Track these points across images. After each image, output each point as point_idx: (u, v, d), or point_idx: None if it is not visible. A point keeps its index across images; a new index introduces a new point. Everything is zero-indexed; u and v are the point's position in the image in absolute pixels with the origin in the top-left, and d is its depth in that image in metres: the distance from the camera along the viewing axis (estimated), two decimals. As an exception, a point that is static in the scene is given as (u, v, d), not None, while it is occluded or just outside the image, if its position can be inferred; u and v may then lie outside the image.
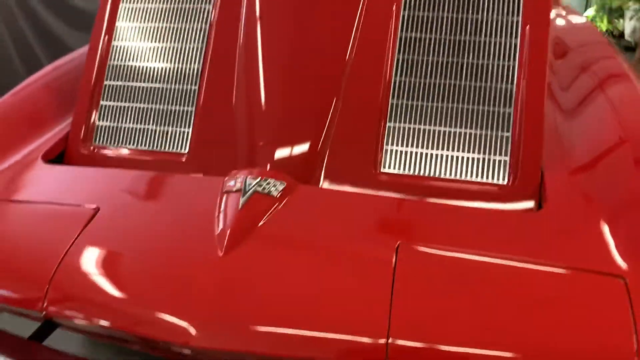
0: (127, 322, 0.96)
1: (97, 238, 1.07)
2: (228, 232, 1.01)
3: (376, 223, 1.07)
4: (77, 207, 1.13)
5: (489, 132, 1.22)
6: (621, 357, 0.83)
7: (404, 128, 1.26)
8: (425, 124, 1.25)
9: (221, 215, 1.06)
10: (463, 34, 1.28)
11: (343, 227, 1.05)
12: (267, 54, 1.31)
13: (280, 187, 1.11)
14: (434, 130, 1.24)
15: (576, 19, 1.94)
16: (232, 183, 1.12)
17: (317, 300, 0.93)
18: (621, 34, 5.06)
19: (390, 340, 0.87)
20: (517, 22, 1.27)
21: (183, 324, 0.92)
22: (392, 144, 1.25)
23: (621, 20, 5.03)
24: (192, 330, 0.91)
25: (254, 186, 1.10)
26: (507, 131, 1.21)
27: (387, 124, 1.26)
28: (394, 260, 0.97)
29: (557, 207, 1.07)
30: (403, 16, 1.32)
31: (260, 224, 1.05)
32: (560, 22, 1.88)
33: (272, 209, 1.07)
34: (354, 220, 1.07)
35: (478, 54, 1.27)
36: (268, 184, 1.12)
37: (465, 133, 1.23)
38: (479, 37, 1.27)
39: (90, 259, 1.03)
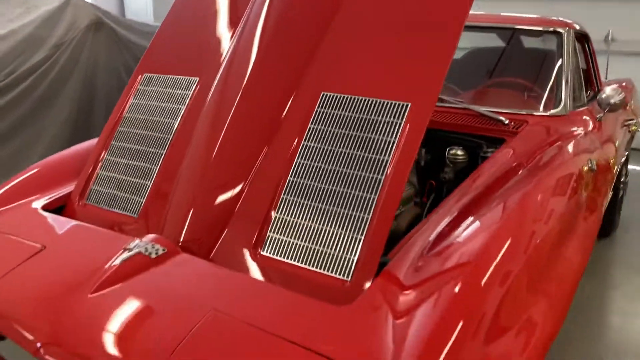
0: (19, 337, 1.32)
1: (27, 270, 1.46)
2: (101, 280, 1.34)
3: (210, 289, 1.31)
4: (30, 242, 1.55)
5: (348, 233, 1.41)
6: None
7: (287, 220, 1.49)
8: (305, 220, 1.48)
9: (108, 266, 1.39)
10: (352, 148, 1.51)
11: (181, 289, 1.32)
12: (198, 143, 1.66)
13: (161, 252, 1.42)
14: (308, 226, 1.46)
15: None
16: (131, 243, 1.45)
17: (130, 340, 1.20)
18: None
19: None
20: (394, 142, 1.46)
21: (41, 332, 1.25)
22: (275, 233, 1.49)
23: None
24: (47, 338, 1.24)
25: (140, 248, 1.42)
26: (361, 234, 1.39)
27: (276, 215, 1.51)
28: (200, 322, 1.20)
29: (360, 306, 1.22)
30: (309, 129, 1.58)
31: (130, 279, 1.35)
32: None
33: (145, 266, 1.38)
34: (196, 286, 1.33)
35: (360, 167, 1.48)
36: (152, 247, 1.43)
37: (331, 231, 1.43)
38: (363, 152, 1.49)
39: (13, 286, 1.43)
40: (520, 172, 1.82)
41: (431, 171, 2.32)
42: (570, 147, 2.15)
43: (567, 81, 2.54)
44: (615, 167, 2.68)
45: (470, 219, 1.47)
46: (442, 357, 1.06)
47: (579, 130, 2.41)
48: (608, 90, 2.65)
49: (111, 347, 1.20)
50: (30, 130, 3.21)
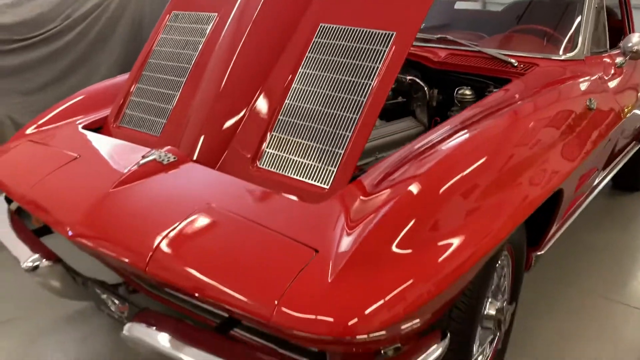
0: (55, 221, 1.60)
1: (65, 172, 1.74)
2: (121, 179, 1.59)
3: (208, 189, 1.54)
4: (68, 152, 1.83)
5: (330, 148, 1.59)
6: (262, 301, 1.18)
7: (281, 138, 1.69)
8: (296, 137, 1.67)
9: (129, 170, 1.64)
10: (342, 74, 1.67)
11: (185, 188, 1.55)
12: (210, 75, 1.86)
13: (172, 159, 1.65)
14: (299, 143, 1.65)
15: None
16: (149, 152, 1.70)
17: (138, 223, 1.46)
18: None
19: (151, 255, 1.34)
20: (378, 67, 1.62)
21: (71, 218, 1.52)
22: (271, 149, 1.69)
23: None
24: (75, 222, 1.50)
25: (155, 155, 1.66)
26: (342, 148, 1.57)
27: (272, 133, 1.71)
28: (194, 212, 1.43)
29: (329, 204, 1.42)
30: (307, 57, 1.76)
31: (145, 179, 1.60)
32: None
33: (157, 170, 1.62)
34: (196, 186, 1.56)
35: (347, 90, 1.64)
36: (165, 155, 1.67)
37: (317, 147, 1.62)
38: (351, 77, 1.65)
39: (53, 183, 1.70)
40: (516, 103, 1.92)
41: (442, 112, 2.44)
42: (573, 85, 2.22)
43: (586, 26, 2.56)
44: (629, 115, 2.69)
45: (454, 138, 1.61)
46: (392, 246, 1.25)
47: (594, 74, 2.45)
48: (633, 38, 2.65)
49: (121, 228, 1.46)
50: (84, 70, 3.53)
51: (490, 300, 1.72)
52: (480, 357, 1.80)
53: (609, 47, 2.85)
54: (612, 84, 2.59)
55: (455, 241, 1.31)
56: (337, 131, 1.61)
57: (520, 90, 2.07)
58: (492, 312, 1.70)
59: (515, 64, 2.31)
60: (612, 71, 2.69)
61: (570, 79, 2.28)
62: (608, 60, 2.72)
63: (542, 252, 2.08)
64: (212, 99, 1.83)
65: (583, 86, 2.27)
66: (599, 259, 2.93)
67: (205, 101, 1.84)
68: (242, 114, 1.79)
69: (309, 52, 1.77)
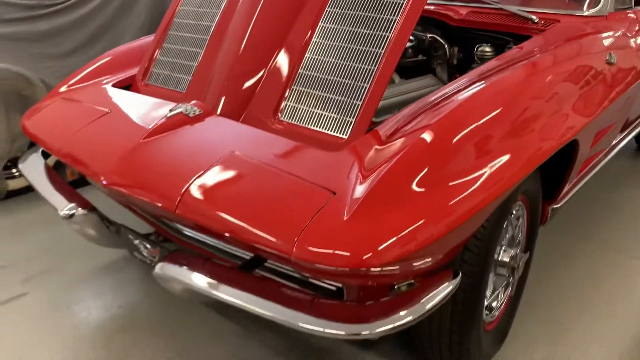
0: (89, 171, 1.70)
1: (97, 126, 1.83)
2: (149, 130, 1.67)
3: (232, 139, 1.62)
4: (100, 107, 1.92)
5: (349, 100, 1.65)
6: (284, 237, 1.26)
7: (301, 91, 1.75)
8: (316, 90, 1.73)
9: (157, 122, 1.72)
10: (360, 27, 1.72)
11: (210, 138, 1.63)
12: (231, 35, 1.93)
13: (197, 112, 1.73)
14: (319, 95, 1.72)
15: None
16: (176, 106, 1.78)
17: (168, 170, 1.55)
18: None
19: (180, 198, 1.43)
20: (395, 20, 1.66)
21: (105, 168, 1.62)
22: (291, 102, 1.76)
23: None
24: (109, 171, 1.60)
25: (181, 108, 1.74)
26: (360, 100, 1.63)
27: (292, 87, 1.77)
28: (220, 159, 1.51)
29: (347, 152, 1.48)
30: (326, 12, 1.80)
31: (172, 131, 1.68)
32: None
33: (184, 122, 1.70)
34: (221, 137, 1.64)
35: (365, 43, 1.69)
36: (192, 109, 1.75)
37: (336, 99, 1.68)
38: (369, 30, 1.70)
39: (87, 137, 1.80)
40: (534, 57, 1.94)
41: (462, 70, 2.46)
42: (593, 40, 2.21)
43: (609, -19, 2.53)
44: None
45: (469, 89, 1.65)
46: (405, 189, 1.32)
47: (617, 30, 2.44)
48: None
49: (151, 175, 1.55)
50: (110, 35, 3.61)
51: (504, 248, 1.79)
52: (495, 302, 1.87)
53: (633, 3, 2.81)
54: (636, 41, 2.57)
55: (466, 186, 1.37)
56: (356, 83, 1.66)
57: (539, 45, 2.08)
58: (506, 259, 1.76)
59: (536, 20, 2.31)
60: (637, 27, 2.66)
61: (592, 34, 2.27)
62: (633, 16, 2.69)
63: (559, 205, 2.12)
64: (232, 59, 1.90)
65: (604, 41, 2.27)
66: (616, 216, 2.96)
67: (227, 61, 1.91)
68: (262, 72, 1.85)
69: (328, 7, 1.81)
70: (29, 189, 3.16)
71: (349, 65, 1.70)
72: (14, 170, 3.13)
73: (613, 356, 1.97)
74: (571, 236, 2.72)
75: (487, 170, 1.42)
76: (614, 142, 2.69)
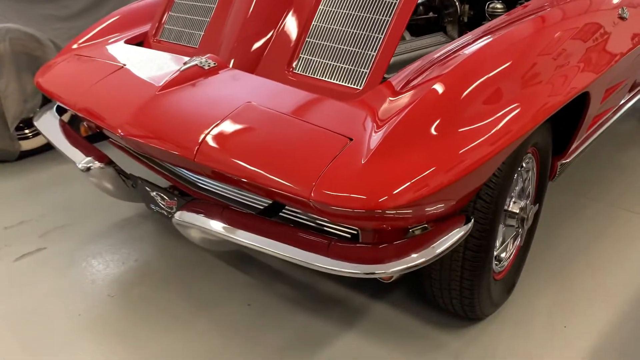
0: (106, 123, 1.72)
1: (112, 79, 1.85)
2: (165, 82, 1.69)
3: (247, 90, 1.64)
4: (114, 62, 1.94)
5: (363, 51, 1.66)
6: (302, 182, 1.29)
7: (315, 43, 1.77)
8: (330, 42, 1.74)
9: (173, 74, 1.74)
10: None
11: (225, 89, 1.65)
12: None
13: (212, 65, 1.75)
14: (333, 47, 1.73)
15: None
16: (192, 59, 1.80)
17: (185, 120, 1.57)
18: None
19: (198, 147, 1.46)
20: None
21: (122, 119, 1.64)
22: (306, 54, 1.77)
23: None
24: (126, 123, 1.63)
25: (196, 61, 1.76)
26: (374, 50, 1.64)
27: (306, 39, 1.78)
28: (236, 109, 1.53)
29: (362, 101, 1.51)
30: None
31: (188, 83, 1.70)
32: None
33: (199, 75, 1.72)
34: (236, 88, 1.66)
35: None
36: (206, 61, 1.76)
37: (350, 50, 1.69)
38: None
39: (102, 90, 1.83)
40: (544, 11, 1.93)
41: (473, 27, 2.45)
42: (606, -4, 2.20)
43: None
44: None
45: (479, 42, 1.66)
46: (417, 137, 1.34)
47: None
48: None
49: (169, 126, 1.58)
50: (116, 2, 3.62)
51: (514, 200, 1.82)
52: (504, 253, 1.91)
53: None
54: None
55: (476, 136, 1.39)
56: (370, 34, 1.68)
57: (550, 0, 2.07)
58: (516, 210, 1.80)
59: None
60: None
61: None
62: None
63: (567, 160, 2.14)
64: (240, 22, 1.91)
65: (618, -4, 2.25)
66: (625, 175, 2.98)
67: (236, 24, 1.92)
68: (278, 24, 1.86)
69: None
70: (41, 150, 3.20)
71: (363, 16, 1.71)
72: (26, 131, 3.17)
73: (616, 306, 2.01)
74: (581, 196, 2.75)
75: (497, 121, 1.44)
76: (622, 101, 2.69)
